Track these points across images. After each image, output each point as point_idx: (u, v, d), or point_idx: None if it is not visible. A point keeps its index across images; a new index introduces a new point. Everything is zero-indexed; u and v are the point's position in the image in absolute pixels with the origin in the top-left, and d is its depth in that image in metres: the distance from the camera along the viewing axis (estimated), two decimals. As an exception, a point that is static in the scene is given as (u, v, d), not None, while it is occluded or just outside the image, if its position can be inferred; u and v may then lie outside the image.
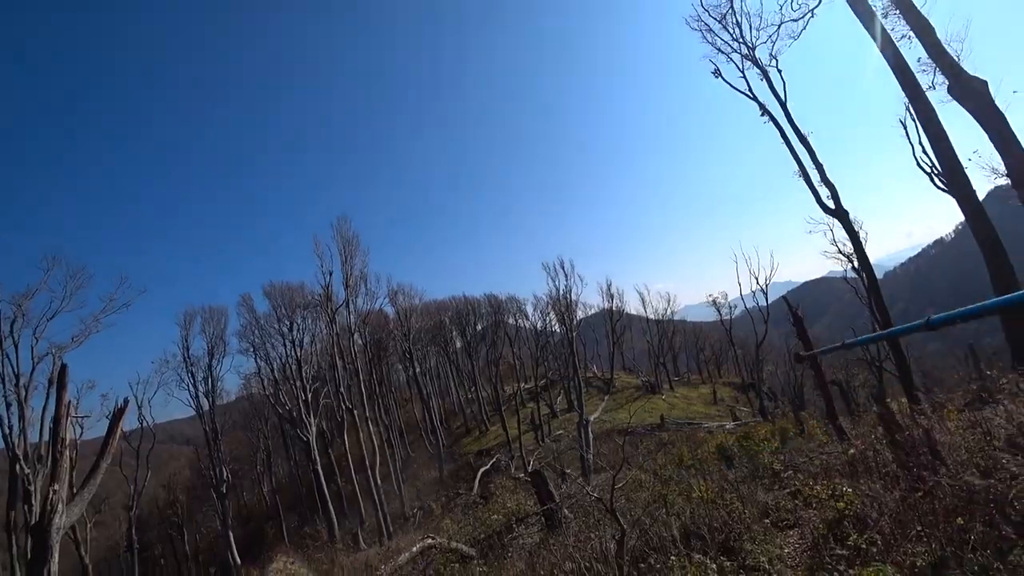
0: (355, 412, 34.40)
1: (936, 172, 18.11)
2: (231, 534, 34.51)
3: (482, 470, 33.88)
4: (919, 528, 4.02)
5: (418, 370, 57.14)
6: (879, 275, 18.30)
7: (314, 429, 35.86)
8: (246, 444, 56.17)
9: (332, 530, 31.24)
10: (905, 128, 18.25)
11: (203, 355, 36.62)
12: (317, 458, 35.07)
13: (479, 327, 65.34)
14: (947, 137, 9.32)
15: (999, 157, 8.85)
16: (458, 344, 66.09)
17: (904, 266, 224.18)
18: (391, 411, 55.51)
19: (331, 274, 33.05)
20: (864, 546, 4.29)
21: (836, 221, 17.58)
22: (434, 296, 68.51)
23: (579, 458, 26.62)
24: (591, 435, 31.60)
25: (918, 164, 18.15)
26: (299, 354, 37.51)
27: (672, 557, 5.57)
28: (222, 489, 35.15)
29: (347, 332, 35.76)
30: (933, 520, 4.09)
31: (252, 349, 39.44)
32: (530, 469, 16.12)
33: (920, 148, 17.94)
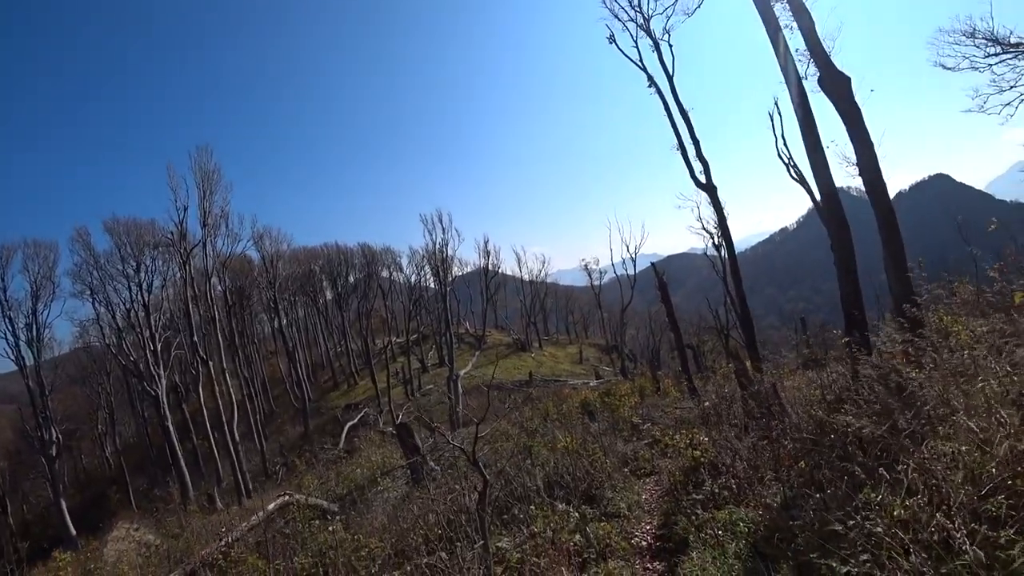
0: (211, 364, 31.60)
1: (792, 164, 19.86)
2: (63, 503, 30.30)
3: (349, 424, 33.06)
4: (771, 472, 4.28)
5: (284, 321, 53.89)
6: (731, 255, 19.87)
7: (164, 382, 32.42)
8: (84, 401, 49.33)
9: (186, 491, 28.77)
10: (772, 120, 19.67)
11: (25, 298, 30.95)
12: (168, 414, 31.82)
13: (351, 278, 62.61)
14: (814, 121, 10.09)
15: (852, 147, 9.69)
16: (328, 295, 63.04)
17: (753, 249, 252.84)
18: (253, 363, 52.11)
19: (186, 209, 29.18)
20: (718, 490, 4.50)
21: (704, 197, 18.78)
22: (304, 243, 64.31)
23: (448, 412, 26.80)
24: (461, 390, 31.92)
25: (779, 155, 19.78)
26: (147, 299, 33.24)
27: (534, 507, 5.54)
28: (51, 452, 30.65)
29: (204, 276, 32.44)
30: (779, 464, 4.36)
31: (90, 292, 34.01)
32: (398, 422, 15.82)
33: (782, 140, 19.52)
